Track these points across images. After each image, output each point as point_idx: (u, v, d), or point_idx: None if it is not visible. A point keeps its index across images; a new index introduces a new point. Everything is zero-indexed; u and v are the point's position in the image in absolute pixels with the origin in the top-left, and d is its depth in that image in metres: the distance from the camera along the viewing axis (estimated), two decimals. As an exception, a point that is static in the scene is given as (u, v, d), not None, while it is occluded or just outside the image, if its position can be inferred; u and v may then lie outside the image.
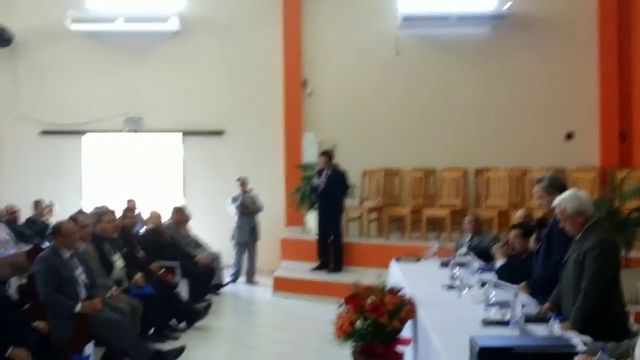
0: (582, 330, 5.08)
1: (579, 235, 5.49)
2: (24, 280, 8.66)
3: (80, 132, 14.36)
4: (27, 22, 14.18)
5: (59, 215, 11.90)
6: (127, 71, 14.27)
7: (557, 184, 6.23)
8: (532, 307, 5.76)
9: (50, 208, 12.84)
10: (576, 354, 3.87)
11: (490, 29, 13.78)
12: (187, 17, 14.10)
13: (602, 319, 5.27)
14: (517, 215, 8.86)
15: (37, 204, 12.64)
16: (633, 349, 3.36)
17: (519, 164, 12.76)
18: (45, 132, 14.34)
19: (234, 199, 12.75)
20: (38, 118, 14.29)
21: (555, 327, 4.72)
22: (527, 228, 7.42)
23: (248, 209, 12.67)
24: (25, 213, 12.44)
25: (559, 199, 5.60)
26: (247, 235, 12.73)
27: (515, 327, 4.98)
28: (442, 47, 13.88)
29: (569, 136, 13.73)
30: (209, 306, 9.89)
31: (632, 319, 5.89)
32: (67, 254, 7.30)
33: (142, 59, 14.28)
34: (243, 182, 12.78)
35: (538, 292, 6.18)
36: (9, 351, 5.50)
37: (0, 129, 14.41)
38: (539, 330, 4.86)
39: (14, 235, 11.09)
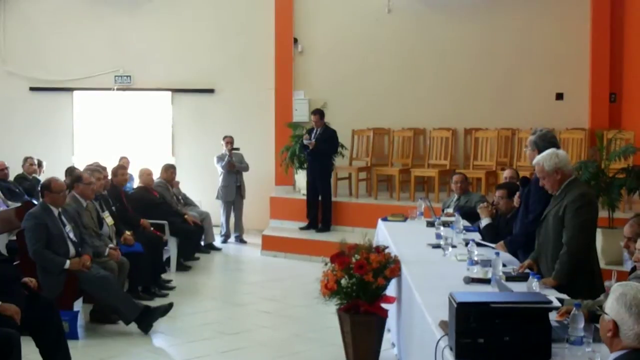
0: (560, 288, 5.20)
1: (558, 192, 5.60)
2: (13, 237, 8.72)
3: (70, 89, 14.31)
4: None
5: (48, 172, 11.94)
6: (117, 26, 14.16)
7: (546, 139, 6.24)
8: (515, 265, 5.88)
9: (39, 165, 12.84)
10: (551, 310, 3.96)
11: (484, -14, 13.74)
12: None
13: (580, 274, 5.40)
14: (504, 175, 8.96)
15: (26, 160, 12.61)
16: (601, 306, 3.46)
17: (508, 124, 12.80)
18: (34, 89, 14.28)
19: (220, 158, 12.79)
20: (27, 74, 14.23)
21: (533, 285, 4.82)
22: (512, 188, 7.50)
23: (234, 168, 12.73)
24: (15, 170, 12.45)
25: (537, 158, 5.70)
26: (233, 194, 12.79)
27: (495, 284, 5.09)
28: (434, 4, 13.76)
29: (559, 96, 13.77)
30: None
31: (613, 279, 5.99)
32: (56, 211, 7.37)
33: (132, 13, 14.16)
34: (229, 141, 12.80)
35: (515, 250, 6.30)
36: (-2, 306, 5.55)
37: (-12, 85, 14.38)
38: (519, 288, 4.96)
39: (4, 192, 11.12)
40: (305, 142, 11.95)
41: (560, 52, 13.63)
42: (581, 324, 3.96)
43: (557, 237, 5.51)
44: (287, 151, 12.93)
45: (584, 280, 5.37)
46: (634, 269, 4.73)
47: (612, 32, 13.47)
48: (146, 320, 7.40)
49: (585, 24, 13.57)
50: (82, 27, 14.18)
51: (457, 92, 13.71)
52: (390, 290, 6.43)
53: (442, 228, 7.14)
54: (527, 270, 5.47)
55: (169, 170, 11.78)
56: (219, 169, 12.83)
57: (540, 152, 5.82)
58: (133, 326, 7.40)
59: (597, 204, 5.92)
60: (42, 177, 11.42)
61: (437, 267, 6.01)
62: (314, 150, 11.87)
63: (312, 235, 11.78)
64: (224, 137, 12.89)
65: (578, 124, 13.02)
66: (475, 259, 5.69)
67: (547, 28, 13.65)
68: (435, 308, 4.52)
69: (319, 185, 11.97)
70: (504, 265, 5.50)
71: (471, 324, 3.75)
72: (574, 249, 5.41)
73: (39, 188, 7.93)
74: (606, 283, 5.04)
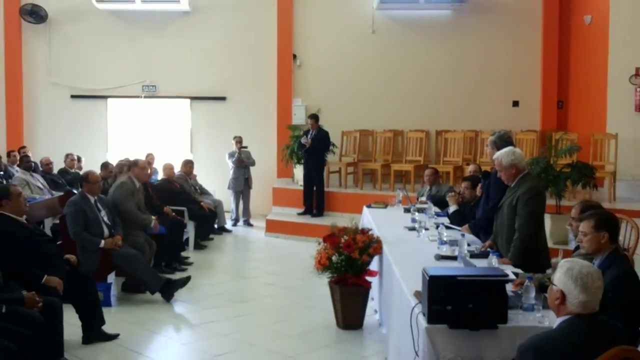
0: (514, 265, 5.21)
1: (513, 184, 5.60)
2: (56, 221, 8.71)
3: (105, 97, 14.25)
4: (59, 1, 13.99)
5: (86, 166, 11.94)
6: (144, 45, 14.10)
7: (504, 139, 6.20)
8: (477, 245, 5.89)
9: (78, 160, 12.82)
10: (507, 282, 3.98)
11: (452, 11, 13.65)
12: (195, -1, 14.00)
13: (530, 254, 5.40)
14: (469, 169, 8.97)
15: (67, 156, 12.61)
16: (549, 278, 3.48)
17: (472, 127, 12.78)
18: (74, 96, 14.21)
19: (231, 155, 12.77)
20: (68, 84, 14.16)
21: (493, 261, 4.84)
22: (475, 180, 7.51)
23: (243, 163, 12.72)
24: (58, 165, 12.41)
25: (497, 154, 5.70)
26: (242, 185, 12.76)
27: (461, 261, 5.10)
28: (411, 27, 13.73)
29: (515, 103, 13.77)
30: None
31: (560, 256, 5.98)
32: (93, 199, 7.36)
33: (157, 34, 14.09)
34: (239, 140, 12.80)
35: (477, 232, 6.30)
36: (44, 279, 5.56)
37: (36, 94, 14.25)
38: (481, 263, 4.97)
39: (49, 183, 11.11)
40: (302, 141, 11.96)
41: (516, 67, 13.64)
42: (532, 294, 3.99)
43: (511, 223, 5.51)
44: (287, 149, 12.95)
45: (533, 259, 5.38)
46: (577, 247, 4.75)
47: (560, 50, 13.50)
48: (168, 291, 7.41)
49: (537, 43, 13.59)
50: (115, 45, 14.10)
51: (430, 100, 13.69)
52: (374, 266, 6.44)
53: (416, 214, 7.17)
54: (488, 249, 5.49)
55: (188, 165, 11.76)
56: (230, 164, 12.79)
57: (499, 150, 5.81)
58: (157, 296, 7.40)
59: (545, 195, 5.92)
60: (81, 171, 11.40)
61: (412, 246, 6.02)
62: (309, 149, 11.86)
63: (308, 220, 11.75)
64: (234, 137, 12.87)
65: (531, 126, 13.04)
66: (445, 239, 5.72)
67: (504, 47, 13.63)
68: (411, 280, 4.54)
69: (314, 178, 11.96)
70: (468, 245, 5.53)
71: (441, 294, 3.78)
72: (525, 234, 5.40)
73: (79, 179, 7.91)
74: (554, 260, 5.04)
